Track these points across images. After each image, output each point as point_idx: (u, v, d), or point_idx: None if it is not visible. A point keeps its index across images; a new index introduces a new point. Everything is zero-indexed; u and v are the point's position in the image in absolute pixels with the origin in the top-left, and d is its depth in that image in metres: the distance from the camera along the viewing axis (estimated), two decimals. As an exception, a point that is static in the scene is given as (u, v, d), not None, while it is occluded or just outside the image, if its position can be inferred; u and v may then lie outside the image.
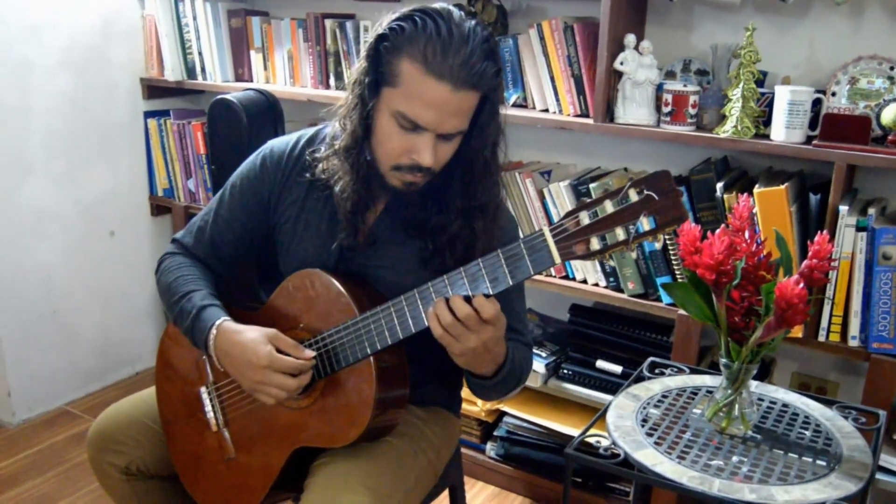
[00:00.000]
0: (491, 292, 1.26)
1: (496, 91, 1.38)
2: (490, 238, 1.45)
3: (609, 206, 1.19)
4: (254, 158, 1.60)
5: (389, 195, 1.47)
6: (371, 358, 1.38)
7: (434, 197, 1.45)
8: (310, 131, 1.59)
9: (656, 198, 1.16)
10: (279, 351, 1.40)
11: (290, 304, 1.50)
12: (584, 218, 1.20)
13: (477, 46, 1.30)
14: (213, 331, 1.45)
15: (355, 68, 1.40)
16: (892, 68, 1.90)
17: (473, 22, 1.33)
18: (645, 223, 1.17)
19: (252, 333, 1.42)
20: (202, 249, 1.61)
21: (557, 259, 1.21)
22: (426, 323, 1.31)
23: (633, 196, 1.17)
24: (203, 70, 2.94)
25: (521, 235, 1.59)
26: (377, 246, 1.50)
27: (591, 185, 2.14)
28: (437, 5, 1.34)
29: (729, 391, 1.42)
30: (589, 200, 1.21)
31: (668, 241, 2.05)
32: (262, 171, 1.57)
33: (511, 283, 1.25)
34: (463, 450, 2.11)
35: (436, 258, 1.45)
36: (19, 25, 2.64)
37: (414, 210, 1.47)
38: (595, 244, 1.19)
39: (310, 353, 1.41)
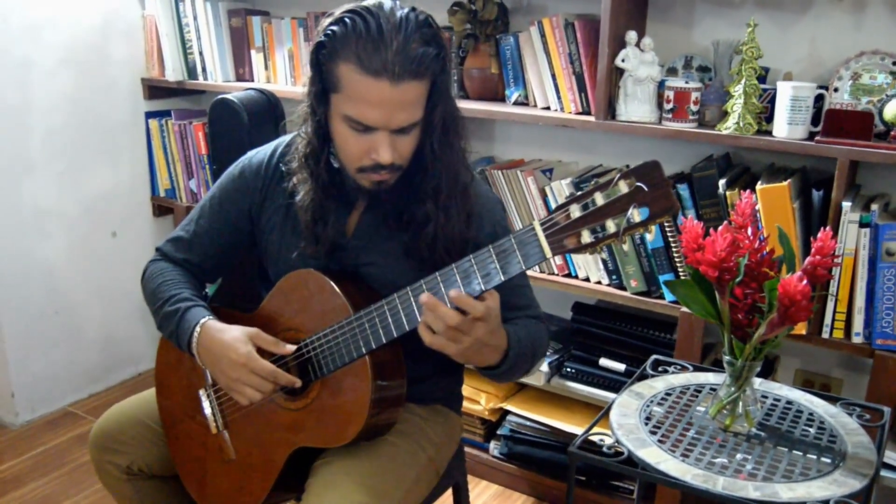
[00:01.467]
0: (483, 288, 1.25)
1: (441, 74, 1.37)
2: (451, 221, 1.44)
3: (599, 199, 1.18)
4: (232, 169, 1.61)
5: (365, 195, 1.48)
6: (367, 356, 1.38)
7: (405, 188, 1.45)
8: (286, 139, 1.60)
9: (646, 189, 1.15)
10: (260, 350, 1.42)
11: (285, 304, 1.50)
12: (575, 211, 1.19)
13: (412, 34, 1.29)
14: (197, 328, 1.46)
15: (305, 78, 1.41)
16: (894, 63, 1.89)
17: (406, 10, 1.32)
18: (636, 214, 1.16)
19: (234, 332, 1.43)
20: (184, 258, 1.62)
21: (548, 253, 1.20)
22: (419, 320, 1.31)
23: (623, 187, 1.17)
24: (204, 70, 2.94)
25: (506, 220, 1.59)
26: (363, 244, 1.51)
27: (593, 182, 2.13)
28: (368, 2, 1.34)
29: (732, 389, 1.42)
30: (579, 193, 1.20)
31: (670, 239, 2.05)
32: (242, 181, 1.58)
33: (503, 278, 1.24)
34: (466, 448, 2.11)
35: (414, 248, 1.45)
36: (20, 24, 2.64)
37: (392, 204, 1.47)
38: (586, 237, 1.18)
39: (290, 347, 1.42)
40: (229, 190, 1.60)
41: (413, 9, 1.33)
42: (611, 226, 1.17)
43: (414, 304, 1.32)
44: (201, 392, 1.57)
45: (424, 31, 1.31)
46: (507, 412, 2.50)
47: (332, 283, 1.43)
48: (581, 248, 1.19)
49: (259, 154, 1.60)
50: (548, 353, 2.39)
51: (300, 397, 1.46)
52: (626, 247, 1.16)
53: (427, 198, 1.43)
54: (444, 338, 1.25)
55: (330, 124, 1.40)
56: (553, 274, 2.31)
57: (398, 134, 1.36)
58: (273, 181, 1.56)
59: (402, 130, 1.36)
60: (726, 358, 1.40)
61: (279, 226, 1.55)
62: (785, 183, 1.84)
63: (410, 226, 1.45)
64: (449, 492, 1.78)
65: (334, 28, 1.31)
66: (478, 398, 2.50)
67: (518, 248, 1.22)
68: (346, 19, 1.30)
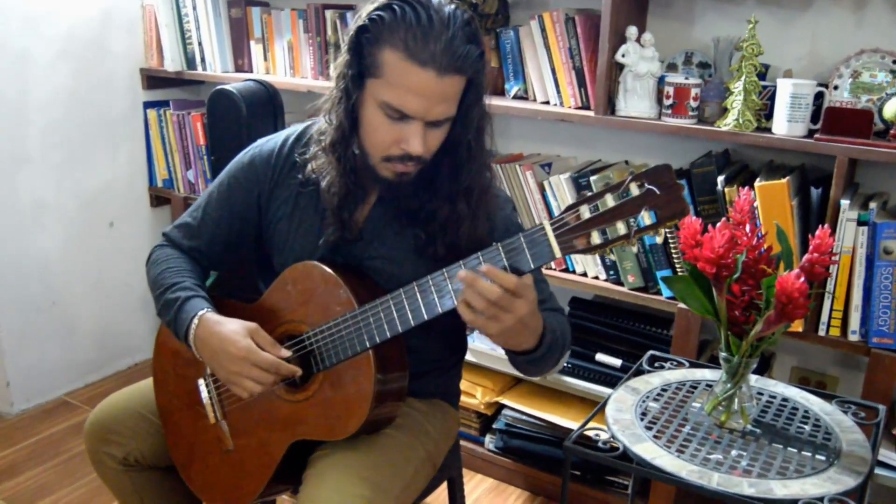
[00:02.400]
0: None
1: (480, 74, 1.37)
2: (477, 222, 1.44)
3: (610, 200, 1.18)
4: (242, 157, 1.60)
5: (381, 186, 1.46)
6: (370, 351, 1.38)
7: (424, 184, 1.44)
8: (298, 128, 1.59)
9: (657, 192, 1.16)
10: (258, 346, 1.41)
11: (289, 296, 1.49)
12: (585, 212, 1.19)
13: (458, 30, 1.29)
14: (195, 320, 1.45)
15: (338, 62, 1.39)
16: (894, 62, 1.89)
17: (453, 6, 1.33)
18: (646, 217, 1.16)
19: (233, 325, 1.42)
20: (190, 245, 1.61)
21: (558, 253, 1.21)
22: (425, 316, 1.31)
23: (635, 190, 1.17)
24: (203, 60, 2.93)
25: (518, 218, 1.59)
26: (372, 237, 1.50)
27: (592, 178, 2.13)
28: None
29: (728, 385, 1.42)
30: (590, 194, 1.20)
31: (668, 235, 2.04)
32: (252, 170, 1.57)
33: None
34: (462, 442, 2.11)
35: (430, 246, 1.45)
36: (18, 15, 2.63)
37: (406, 199, 1.46)
38: (596, 238, 1.19)
39: (286, 352, 1.41)
40: (238, 178, 1.58)
41: (458, 6, 1.34)
42: (621, 228, 1.17)
43: (420, 299, 1.31)
44: (200, 381, 1.56)
45: (468, 28, 1.32)
46: (503, 406, 2.50)
47: (337, 276, 1.43)
48: (591, 249, 1.19)
49: (270, 142, 1.59)
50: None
51: (301, 389, 1.46)
52: (634, 248, 1.16)
53: (458, 197, 1.43)
54: (486, 315, 1.22)
55: (360, 110, 1.38)
56: (550, 268, 2.31)
57: (431, 126, 1.35)
58: (284, 170, 1.55)
59: (436, 123, 1.35)
60: (723, 354, 1.40)
61: (288, 216, 1.54)
62: (784, 180, 1.84)
63: (429, 224, 1.44)
64: (444, 485, 1.78)
65: (381, 13, 1.30)
66: (474, 392, 2.50)
67: (528, 247, 1.22)
68: (395, 6, 1.30)
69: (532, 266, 1.23)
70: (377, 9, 1.32)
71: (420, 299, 1.31)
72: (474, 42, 1.32)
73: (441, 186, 1.43)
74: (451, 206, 1.43)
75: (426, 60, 1.28)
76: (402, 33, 1.28)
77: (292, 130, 1.59)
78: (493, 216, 1.49)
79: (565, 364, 2.34)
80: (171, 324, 1.50)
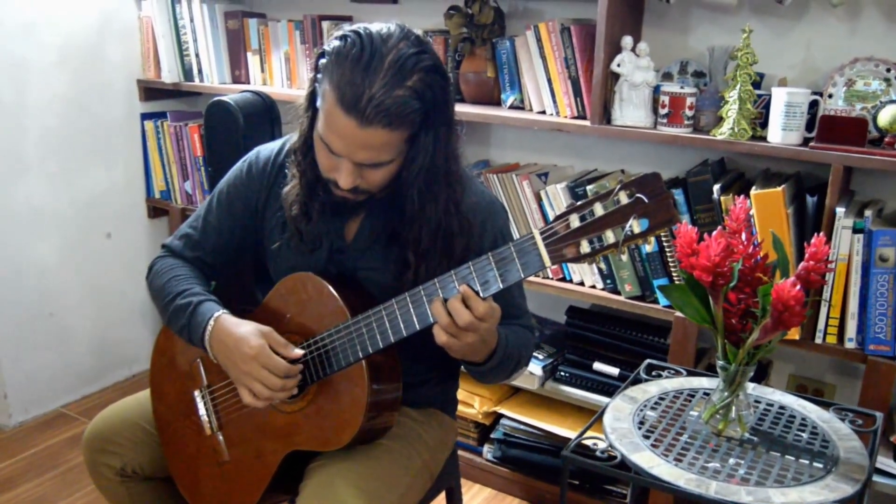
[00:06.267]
0: (482, 295, 1.25)
1: (426, 129, 1.32)
2: (448, 260, 1.41)
3: (599, 209, 1.18)
4: (240, 165, 1.61)
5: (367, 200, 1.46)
6: (363, 361, 1.38)
7: (399, 207, 1.42)
8: (294, 136, 1.59)
9: (647, 200, 1.16)
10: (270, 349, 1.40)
11: (283, 307, 1.50)
12: (575, 221, 1.19)
13: (400, 80, 1.25)
14: (211, 322, 1.45)
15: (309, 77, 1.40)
16: (888, 70, 1.90)
17: (411, 50, 1.27)
18: (635, 226, 1.16)
19: (248, 327, 1.42)
20: (193, 255, 1.61)
21: (547, 262, 1.21)
22: (417, 327, 1.31)
23: (624, 198, 1.17)
24: (200, 72, 2.93)
25: (510, 227, 1.59)
26: (364, 249, 1.51)
27: (588, 188, 2.14)
28: (379, 26, 1.30)
29: (726, 393, 1.42)
30: (579, 203, 1.20)
31: (664, 243, 2.05)
32: (249, 177, 1.58)
33: (501, 286, 1.24)
34: (460, 452, 2.11)
35: (407, 269, 1.43)
36: (15, 24, 2.64)
37: (387, 219, 1.47)
38: (585, 247, 1.19)
39: (299, 351, 1.41)
40: (237, 186, 1.59)
41: (422, 51, 1.29)
42: (610, 236, 1.18)
43: (412, 310, 1.32)
44: (196, 393, 1.57)
45: (419, 78, 1.27)
46: (501, 416, 2.50)
47: (330, 287, 1.43)
48: (580, 258, 1.20)
49: (266, 150, 1.60)
50: (542, 357, 2.39)
51: (296, 400, 1.46)
52: (624, 257, 1.16)
53: (408, 244, 1.42)
54: (456, 338, 1.27)
55: (313, 129, 1.39)
56: (548, 278, 2.31)
57: (365, 166, 1.34)
58: (279, 178, 1.55)
59: (373, 165, 1.34)
60: (720, 363, 1.41)
61: (282, 225, 1.54)
62: (779, 188, 1.85)
63: (404, 246, 1.44)
64: (442, 495, 1.78)
65: (336, 43, 1.30)
66: (471, 402, 2.50)
67: (517, 257, 1.23)
68: (349, 39, 1.28)
69: (522, 276, 1.23)
70: (337, 37, 1.31)
71: (412, 309, 1.31)
72: (420, 96, 1.27)
73: (414, 219, 1.41)
74: (429, 239, 1.41)
75: (350, 108, 1.25)
76: (339, 71, 1.26)
77: (289, 138, 1.59)
78: (482, 224, 1.49)
79: (562, 373, 2.34)
80: (184, 329, 1.50)
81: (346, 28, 1.31)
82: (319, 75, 1.33)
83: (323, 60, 1.32)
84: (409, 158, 1.35)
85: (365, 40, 1.27)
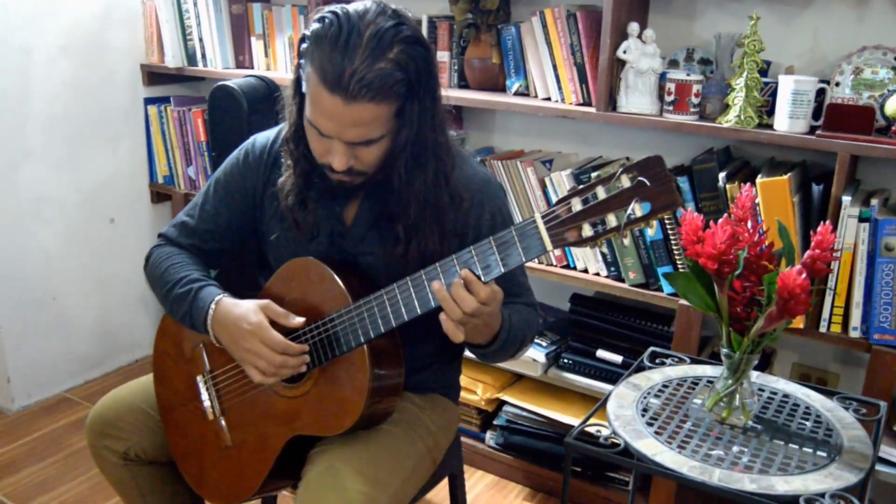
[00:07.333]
0: (484, 280, 1.25)
1: (411, 100, 1.32)
2: (440, 237, 1.43)
3: (601, 193, 1.18)
4: (237, 153, 1.61)
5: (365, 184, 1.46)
6: (365, 346, 1.38)
7: (392, 188, 1.42)
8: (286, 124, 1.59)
9: (648, 184, 1.15)
10: (272, 322, 1.40)
11: (285, 291, 1.49)
12: (577, 204, 1.19)
13: (380, 53, 1.25)
14: (212, 305, 1.46)
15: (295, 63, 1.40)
16: (896, 58, 1.89)
17: (390, 23, 1.28)
18: (637, 209, 1.16)
19: (246, 304, 1.43)
20: (190, 243, 1.61)
21: (549, 246, 1.21)
22: (419, 311, 1.31)
23: (626, 182, 1.17)
24: (203, 56, 2.93)
25: (508, 207, 1.58)
26: (363, 233, 1.50)
27: (593, 175, 2.13)
28: (356, 5, 1.30)
29: (730, 381, 1.42)
30: (581, 187, 1.20)
31: (669, 231, 2.05)
32: (245, 165, 1.58)
33: (503, 270, 1.24)
34: (462, 438, 2.11)
35: (404, 248, 1.44)
36: (19, 10, 2.63)
37: (383, 201, 1.46)
38: (587, 230, 1.19)
39: (300, 319, 1.41)
40: (234, 174, 1.59)
41: (400, 23, 1.29)
42: (612, 220, 1.17)
43: (413, 294, 1.31)
44: (199, 378, 1.57)
45: (400, 50, 1.27)
46: (504, 402, 2.50)
47: (332, 272, 1.43)
48: (582, 242, 1.19)
49: (262, 138, 1.60)
50: (545, 344, 2.39)
51: (298, 385, 1.46)
52: (626, 241, 1.16)
53: (398, 219, 1.42)
54: (462, 324, 1.27)
55: (302, 116, 1.39)
56: (551, 265, 2.31)
57: (360, 145, 1.34)
58: (276, 166, 1.55)
59: (365, 142, 1.34)
60: (724, 350, 1.40)
61: (280, 211, 1.54)
62: (785, 177, 1.84)
63: (399, 226, 1.44)
64: (445, 481, 1.78)
65: (315, 26, 1.30)
66: (474, 388, 2.50)
67: (519, 241, 1.22)
68: (327, 19, 1.28)
69: (523, 259, 1.23)
70: (316, 19, 1.30)
71: (413, 294, 1.31)
72: (403, 68, 1.27)
73: (402, 193, 1.41)
74: (418, 213, 1.42)
75: (334, 86, 1.25)
76: (319, 52, 1.27)
77: (283, 127, 1.59)
78: (480, 203, 1.48)
79: (566, 361, 2.34)
80: (186, 316, 1.50)
81: (325, 10, 1.31)
82: (302, 60, 1.33)
83: (304, 45, 1.32)
84: (396, 130, 1.35)
85: (342, 19, 1.27)
